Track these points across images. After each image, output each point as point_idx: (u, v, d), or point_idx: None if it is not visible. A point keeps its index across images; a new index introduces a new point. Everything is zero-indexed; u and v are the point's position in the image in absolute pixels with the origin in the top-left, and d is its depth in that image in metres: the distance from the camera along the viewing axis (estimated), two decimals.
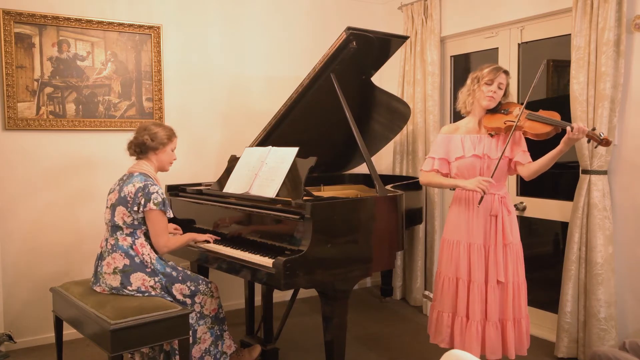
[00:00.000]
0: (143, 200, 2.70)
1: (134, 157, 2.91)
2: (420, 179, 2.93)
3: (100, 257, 2.79)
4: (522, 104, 2.67)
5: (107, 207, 2.83)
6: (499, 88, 2.72)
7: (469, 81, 2.81)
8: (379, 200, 2.86)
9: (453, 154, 2.77)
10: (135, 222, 2.74)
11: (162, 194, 2.76)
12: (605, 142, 2.53)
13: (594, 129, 2.56)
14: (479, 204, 2.64)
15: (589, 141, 2.59)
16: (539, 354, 3.36)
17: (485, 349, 2.71)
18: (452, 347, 2.71)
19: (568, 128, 2.49)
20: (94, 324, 2.53)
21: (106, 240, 2.79)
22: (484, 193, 2.59)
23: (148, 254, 2.75)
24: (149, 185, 2.73)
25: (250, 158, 3.16)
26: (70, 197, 3.68)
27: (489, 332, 2.69)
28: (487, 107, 2.75)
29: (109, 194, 2.86)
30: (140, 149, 2.86)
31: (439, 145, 2.82)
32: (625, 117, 3.12)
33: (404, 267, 4.55)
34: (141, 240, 2.76)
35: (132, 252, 2.71)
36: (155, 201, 2.71)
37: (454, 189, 2.91)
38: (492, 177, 2.62)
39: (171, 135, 2.93)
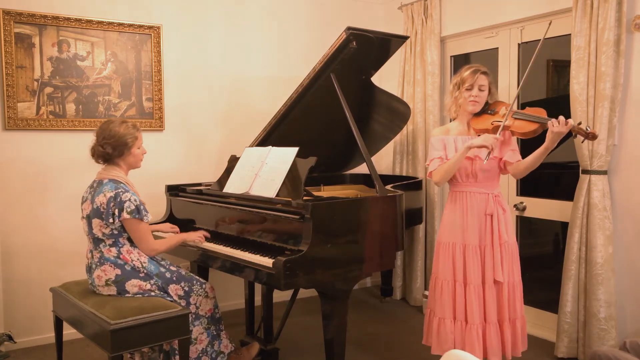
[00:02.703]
0: (116, 210, 2.59)
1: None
2: (434, 180, 2.80)
3: (89, 270, 2.75)
4: (509, 103, 2.68)
5: (82, 217, 2.76)
6: (481, 90, 2.70)
7: (450, 87, 2.79)
8: (379, 200, 2.86)
9: (448, 155, 2.76)
10: (115, 232, 2.66)
11: (135, 200, 2.63)
12: (592, 136, 2.48)
13: (579, 123, 2.54)
14: (485, 160, 2.58)
15: (575, 136, 2.55)
16: (539, 354, 3.36)
17: (487, 350, 2.69)
18: None
19: (549, 123, 2.46)
20: (94, 324, 2.53)
21: (91, 252, 2.73)
22: (492, 148, 2.54)
23: (137, 259, 2.70)
24: (121, 193, 2.61)
25: (250, 158, 3.16)
26: (70, 197, 3.67)
27: (490, 333, 2.68)
28: (472, 111, 2.74)
29: (82, 203, 2.77)
30: (104, 158, 2.74)
31: (436, 146, 2.80)
32: (625, 117, 3.12)
33: (404, 267, 4.55)
34: (126, 247, 2.70)
35: (120, 261, 2.67)
36: (129, 209, 2.60)
37: (456, 184, 2.84)
38: (498, 134, 2.59)
39: (133, 136, 2.74)
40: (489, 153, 2.57)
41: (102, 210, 2.62)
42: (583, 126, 2.50)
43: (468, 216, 2.73)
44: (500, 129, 2.60)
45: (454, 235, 2.76)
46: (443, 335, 2.74)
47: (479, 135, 2.72)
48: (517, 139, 2.82)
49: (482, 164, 2.67)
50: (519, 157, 2.70)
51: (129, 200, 2.62)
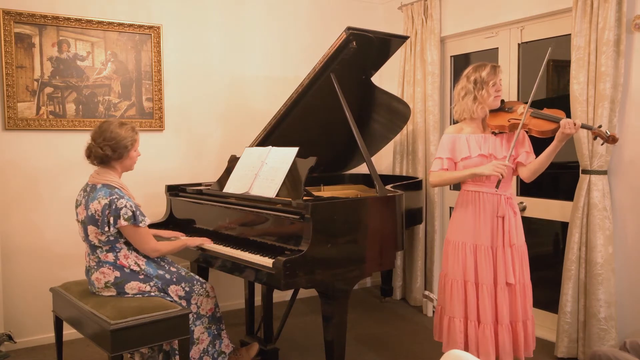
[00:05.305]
0: (112, 218, 2.54)
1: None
2: (431, 180, 2.84)
3: (87, 273, 2.74)
4: (526, 102, 2.67)
5: (77, 219, 2.71)
6: (500, 85, 2.73)
7: (470, 86, 2.72)
8: (378, 200, 2.86)
9: (459, 154, 2.75)
10: (111, 238, 2.62)
11: (131, 206, 2.58)
12: (612, 139, 2.53)
13: (600, 126, 2.56)
14: (497, 187, 2.60)
15: (595, 138, 2.60)
16: (539, 354, 3.35)
17: (499, 351, 2.68)
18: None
19: (561, 123, 2.50)
20: (94, 324, 2.53)
21: (89, 255, 2.71)
22: (502, 176, 2.55)
23: (135, 262, 2.68)
24: (115, 200, 2.56)
25: (250, 158, 3.16)
26: (70, 197, 3.66)
27: (502, 335, 2.67)
28: (496, 106, 2.74)
29: (76, 207, 2.72)
30: (101, 159, 2.66)
31: (445, 146, 2.79)
32: (625, 117, 3.12)
33: (404, 267, 4.55)
34: (124, 251, 2.67)
35: (119, 265, 2.65)
36: (126, 216, 2.55)
37: (457, 192, 2.87)
38: (507, 161, 2.59)
39: (133, 138, 2.70)
40: (499, 181, 2.58)
41: (97, 217, 2.57)
42: (603, 129, 2.54)
43: (480, 217, 2.71)
44: (520, 126, 2.59)
45: (464, 234, 2.75)
46: (453, 334, 2.75)
47: (493, 133, 2.72)
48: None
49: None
50: (533, 159, 2.69)
51: (125, 206, 2.56)
